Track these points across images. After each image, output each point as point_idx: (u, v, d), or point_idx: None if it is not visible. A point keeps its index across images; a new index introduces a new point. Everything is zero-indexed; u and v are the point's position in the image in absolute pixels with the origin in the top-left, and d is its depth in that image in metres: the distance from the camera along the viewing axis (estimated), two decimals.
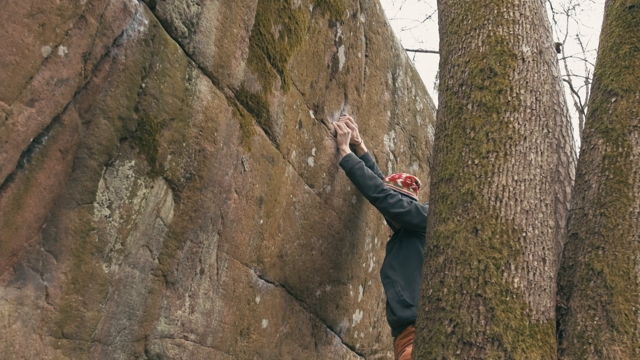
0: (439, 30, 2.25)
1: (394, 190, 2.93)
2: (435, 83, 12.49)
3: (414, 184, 3.09)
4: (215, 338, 2.29)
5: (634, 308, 1.58)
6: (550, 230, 1.71)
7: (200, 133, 2.05)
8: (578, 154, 2.11)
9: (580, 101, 13.22)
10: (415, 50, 14.12)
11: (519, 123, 1.78)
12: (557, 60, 3.21)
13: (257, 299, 2.54)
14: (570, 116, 3.09)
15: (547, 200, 1.74)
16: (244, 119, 2.29)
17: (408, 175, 3.12)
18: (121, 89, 1.71)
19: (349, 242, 3.24)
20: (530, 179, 1.72)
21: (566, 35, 16.77)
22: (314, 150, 2.87)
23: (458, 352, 1.51)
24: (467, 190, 1.71)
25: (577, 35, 27.74)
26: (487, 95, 1.82)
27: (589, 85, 12.04)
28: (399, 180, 3.07)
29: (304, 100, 2.74)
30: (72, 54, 1.54)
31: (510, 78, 1.84)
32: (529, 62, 1.89)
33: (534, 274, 1.60)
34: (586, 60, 16.97)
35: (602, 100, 1.93)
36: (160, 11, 1.83)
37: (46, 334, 1.59)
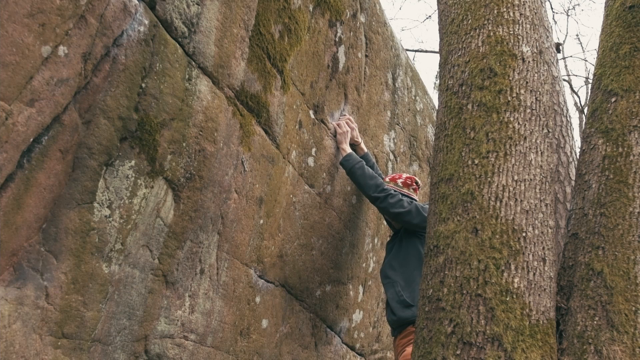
0: (439, 30, 2.26)
1: (395, 191, 2.93)
2: (435, 83, 12.49)
3: (414, 184, 3.09)
4: (215, 338, 2.29)
5: (634, 308, 1.58)
6: (550, 230, 1.71)
7: (200, 133, 2.05)
8: (578, 154, 2.11)
9: (580, 101, 13.23)
10: (415, 50, 14.13)
11: (519, 123, 1.78)
12: (557, 60, 3.21)
13: (257, 299, 2.54)
14: (570, 116, 3.09)
15: (547, 200, 1.74)
16: (244, 119, 2.29)
17: (408, 175, 3.12)
18: (121, 89, 1.71)
19: (349, 242, 3.24)
20: (530, 179, 1.72)
21: (566, 35, 16.78)
22: (314, 150, 2.87)
23: (458, 352, 1.51)
24: (467, 190, 1.71)
25: (577, 35, 27.76)
26: (487, 95, 1.82)
27: (589, 85, 12.04)
28: (399, 181, 3.07)
29: (304, 100, 2.74)
30: (72, 54, 1.54)
31: (510, 78, 1.84)
32: (529, 62, 1.89)
33: (534, 274, 1.60)
34: (586, 60, 16.98)
35: (602, 100, 1.93)
36: (160, 11, 1.83)
37: (46, 334, 1.59)
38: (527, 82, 1.85)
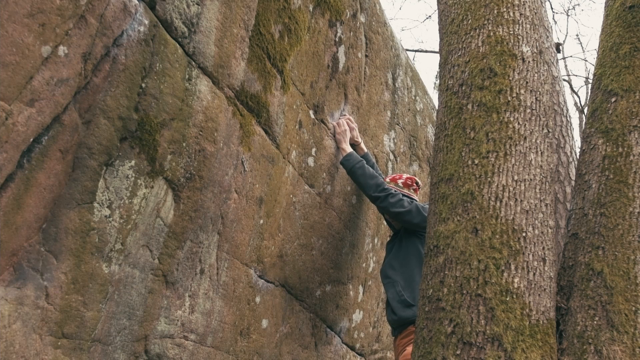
0: (439, 30, 2.26)
1: (395, 190, 2.93)
2: (435, 83, 12.49)
3: (415, 184, 3.09)
4: (215, 338, 2.29)
5: (634, 308, 1.58)
6: (550, 230, 1.71)
7: (200, 133, 2.05)
8: (578, 154, 2.11)
9: (580, 101, 13.23)
10: (415, 50, 14.13)
11: (519, 123, 1.78)
12: (557, 60, 3.21)
13: (257, 299, 2.54)
14: (570, 116, 3.09)
15: (547, 200, 1.74)
16: (244, 119, 2.29)
17: (408, 176, 3.13)
18: (121, 89, 1.71)
19: (349, 242, 3.24)
20: (530, 179, 1.72)
21: (566, 35, 16.77)
22: (314, 150, 2.87)
23: (458, 352, 1.51)
24: (467, 190, 1.71)
25: (577, 35, 27.76)
26: (487, 95, 1.82)
27: (589, 85, 12.04)
28: (399, 181, 3.07)
29: (304, 100, 2.74)
30: (72, 54, 1.54)
31: (510, 78, 1.84)
32: (529, 62, 1.89)
33: (534, 274, 1.60)
34: (586, 60, 16.98)
35: (602, 100, 1.93)
36: (160, 11, 1.83)
37: (46, 334, 1.59)
38: (527, 82, 1.85)
